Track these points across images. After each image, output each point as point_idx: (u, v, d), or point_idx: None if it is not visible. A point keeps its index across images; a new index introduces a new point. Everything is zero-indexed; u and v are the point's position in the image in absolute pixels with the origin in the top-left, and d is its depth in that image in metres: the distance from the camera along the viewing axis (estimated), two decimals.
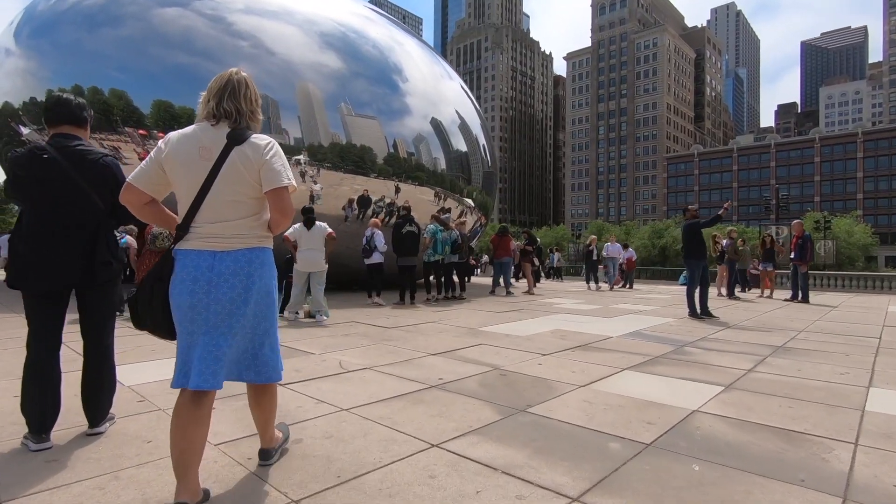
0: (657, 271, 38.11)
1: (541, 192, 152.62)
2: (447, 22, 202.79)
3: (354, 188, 11.14)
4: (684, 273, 16.95)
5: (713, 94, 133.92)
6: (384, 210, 11.30)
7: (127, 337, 5.17)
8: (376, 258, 8.76)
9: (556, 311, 8.12)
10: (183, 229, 1.81)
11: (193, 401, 1.75)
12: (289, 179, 1.83)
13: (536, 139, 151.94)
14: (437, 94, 13.55)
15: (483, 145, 15.04)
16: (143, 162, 1.85)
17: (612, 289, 14.21)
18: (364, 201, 11.11)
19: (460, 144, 13.73)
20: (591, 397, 3.23)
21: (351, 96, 11.27)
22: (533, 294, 11.47)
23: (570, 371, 3.94)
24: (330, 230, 6.81)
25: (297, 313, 6.91)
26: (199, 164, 1.79)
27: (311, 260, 6.64)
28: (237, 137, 1.81)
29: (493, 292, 11.68)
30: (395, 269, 9.32)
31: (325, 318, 6.78)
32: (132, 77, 10.29)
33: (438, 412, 2.88)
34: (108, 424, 2.52)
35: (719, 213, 7.12)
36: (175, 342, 1.85)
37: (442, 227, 9.65)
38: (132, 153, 10.16)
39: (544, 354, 4.58)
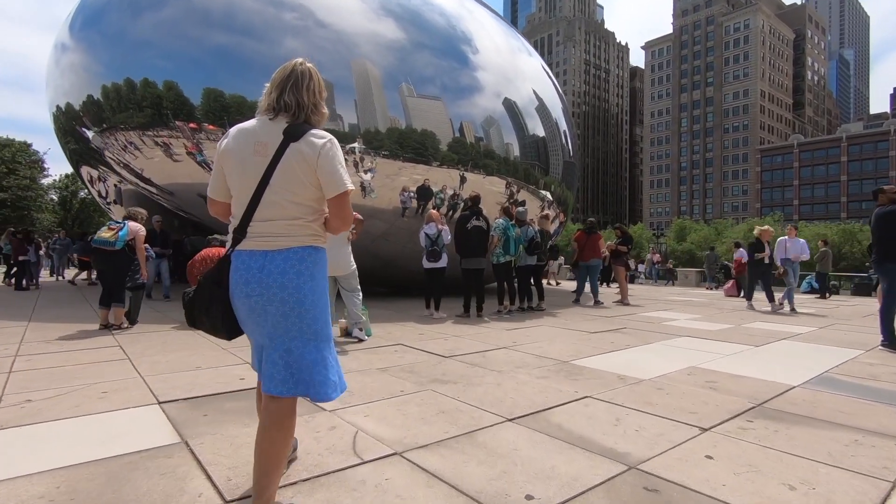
0: None
1: (616, 189, 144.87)
2: (516, 18, 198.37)
3: (414, 178, 9.59)
4: (808, 278, 13.60)
5: (815, 78, 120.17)
6: (446, 203, 9.67)
7: (104, 363, 3.74)
8: (443, 261, 7.11)
9: (673, 333, 6.03)
10: (240, 232, 1.70)
11: (268, 404, 1.68)
12: (348, 183, 1.70)
13: (611, 135, 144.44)
14: (513, 68, 11.70)
15: (564, 131, 12.98)
16: (213, 170, 1.82)
17: (792, 308, 8.94)
18: (425, 193, 9.54)
19: (537, 129, 11.79)
20: None
21: (412, 71, 9.73)
22: (628, 304, 9.32)
23: (784, 485, 2.01)
24: (355, 214, 5.21)
25: None
26: (254, 161, 1.69)
27: (331, 261, 5.04)
28: (294, 133, 1.69)
29: (577, 301, 9.67)
30: (457, 270, 7.66)
31: (364, 336, 5.23)
32: (176, 64, 9.39)
33: None
34: None
35: None
36: (232, 341, 1.87)
37: (513, 223, 7.84)
38: (182, 148, 9.32)
39: (705, 428, 2.66)
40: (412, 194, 9.48)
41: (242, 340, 4.57)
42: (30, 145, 41.74)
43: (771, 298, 9.12)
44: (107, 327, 5.65)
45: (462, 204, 9.23)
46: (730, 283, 13.17)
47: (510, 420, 2.77)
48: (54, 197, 49.52)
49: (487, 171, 10.40)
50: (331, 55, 9.30)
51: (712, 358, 4.54)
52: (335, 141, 1.73)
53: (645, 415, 2.89)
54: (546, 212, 9.79)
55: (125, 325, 5.75)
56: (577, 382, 3.61)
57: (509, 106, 11.07)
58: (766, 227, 9.54)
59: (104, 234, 5.47)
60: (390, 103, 9.59)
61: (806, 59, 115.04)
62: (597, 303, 9.31)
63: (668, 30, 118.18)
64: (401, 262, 9.83)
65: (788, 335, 5.98)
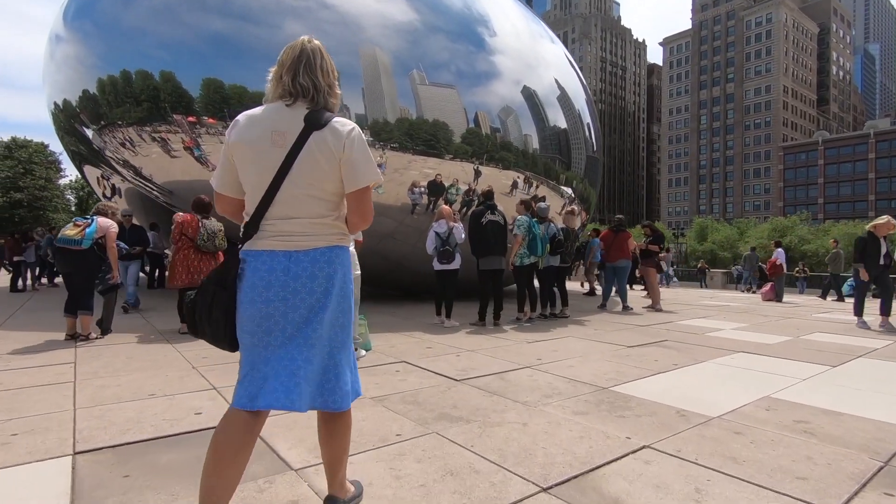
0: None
1: (633, 189, 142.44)
2: None
3: (425, 172, 8.82)
4: (851, 280, 12.51)
5: (841, 73, 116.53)
6: (459, 199, 8.89)
7: (40, 388, 3.18)
8: (456, 263, 6.34)
9: (724, 347, 5.15)
10: (252, 227, 1.53)
11: (247, 423, 1.47)
12: (374, 175, 1.58)
13: (628, 133, 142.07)
14: (534, 54, 10.87)
15: (588, 124, 12.09)
16: (219, 162, 1.61)
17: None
18: (436, 188, 8.77)
19: (559, 120, 10.92)
20: None
21: (424, 56, 8.96)
22: (661, 310, 8.43)
23: None
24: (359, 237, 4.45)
25: None
26: (271, 152, 1.51)
27: None
28: (316, 120, 1.53)
29: (603, 306, 8.82)
30: (471, 273, 6.87)
31: (361, 352, 4.47)
32: (172, 53, 8.75)
33: None
34: None
35: None
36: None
37: (536, 219, 7.04)
38: (179, 144, 8.70)
39: None
40: (423, 190, 8.74)
41: (213, 358, 3.77)
42: (46, 146, 42.05)
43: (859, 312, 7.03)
44: (74, 338, 4.99)
45: (477, 199, 8.46)
46: (767, 287, 12.15)
47: (545, 490, 1.97)
48: (71, 197, 49.88)
49: (504, 165, 9.59)
50: (335, 39, 8.57)
51: (787, 383, 3.68)
52: (359, 129, 1.59)
53: (734, 481, 2.06)
54: (571, 207, 8.95)
55: (94, 336, 5.07)
56: (626, 421, 2.79)
57: (529, 95, 10.23)
58: (885, 217, 7.04)
59: (69, 231, 4.78)
60: (400, 91, 8.84)
61: (830, 53, 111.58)
62: (625, 308, 8.45)
63: (687, 25, 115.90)
64: (410, 263, 9.08)
65: (864, 350, 5.07)
